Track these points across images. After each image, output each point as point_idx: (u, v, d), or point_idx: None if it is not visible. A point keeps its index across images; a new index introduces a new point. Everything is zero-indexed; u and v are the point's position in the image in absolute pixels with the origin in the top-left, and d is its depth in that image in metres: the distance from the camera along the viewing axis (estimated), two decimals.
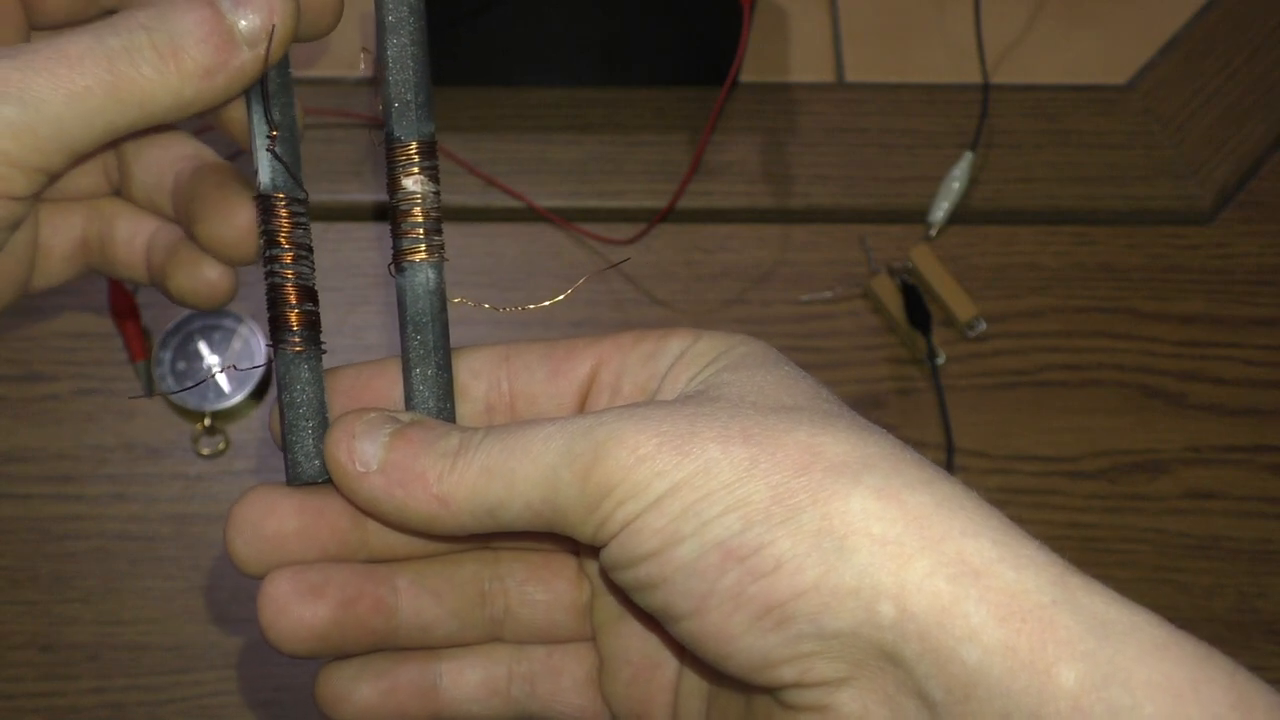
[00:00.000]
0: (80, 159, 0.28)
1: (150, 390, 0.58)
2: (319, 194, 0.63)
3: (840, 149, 0.65)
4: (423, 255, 0.30)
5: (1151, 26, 0.69)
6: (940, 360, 0.60)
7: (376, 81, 0.31)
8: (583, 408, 0.31)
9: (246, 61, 0.28)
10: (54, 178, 0.28)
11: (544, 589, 0.32)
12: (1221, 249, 0.64)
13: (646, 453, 0.26)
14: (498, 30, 0.62)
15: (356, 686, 0.31)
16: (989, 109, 0.66)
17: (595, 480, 0.26)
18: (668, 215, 0.62)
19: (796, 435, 0.26)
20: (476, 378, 0.32)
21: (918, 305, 0.60)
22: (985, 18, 0.67)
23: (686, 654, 0.30)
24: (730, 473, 0.25)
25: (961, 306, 0.61)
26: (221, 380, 0.58)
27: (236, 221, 0.31)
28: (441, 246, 0.30)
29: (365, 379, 0.32)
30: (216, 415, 0.57)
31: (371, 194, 0.63)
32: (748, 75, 0.66)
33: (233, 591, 0.55)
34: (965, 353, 0.61)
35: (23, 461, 0.57)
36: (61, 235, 0.34)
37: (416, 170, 0.30)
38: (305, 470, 0.30)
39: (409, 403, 0.31)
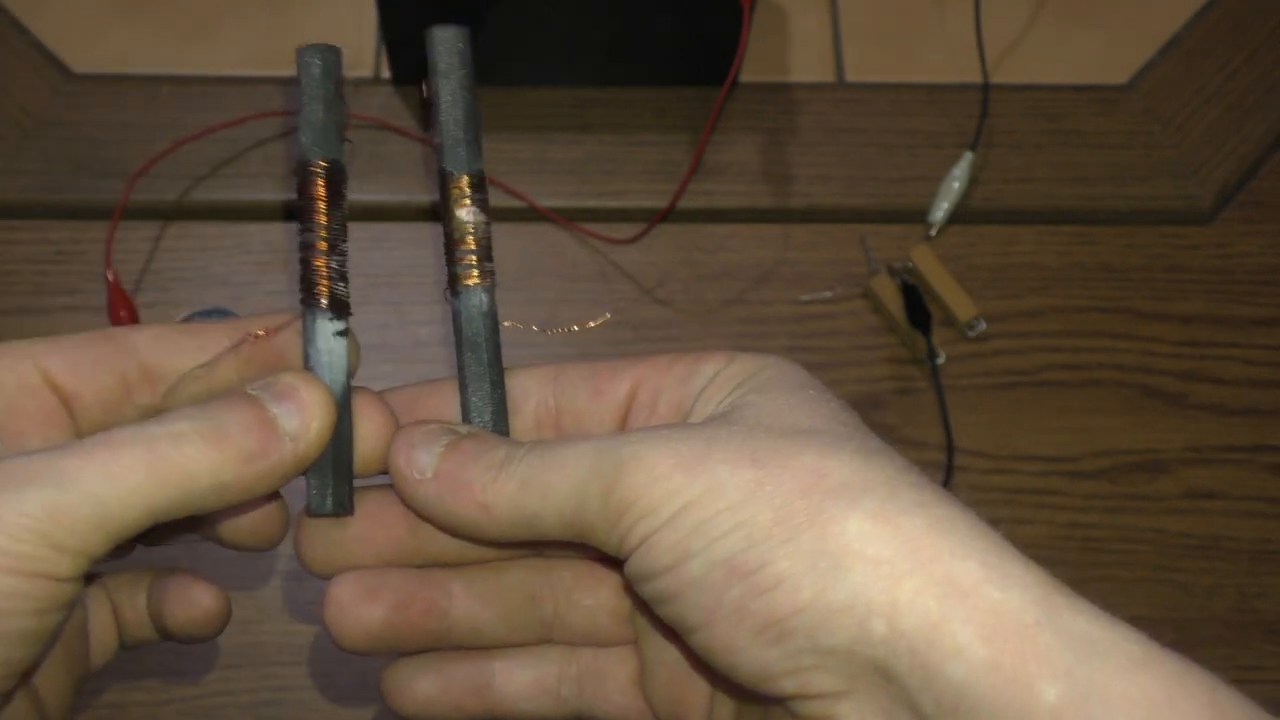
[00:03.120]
0: (121, 541, 0.28)
1: None
2: None
3: (840, 149, 0.65)
4: (476, 280, 0.32)
5: (1151, 26, 0.69)
6: (940, 360, 0.60)
7: (430, 119, 0.33)
8: (624, 425, 0.33)
9: (286, 453, 0.29)
10: (96, 561, 0.28)
11: (589, 595, 0.34)
12: (1221, 249, 0.64)
13: (662, 473, 0.27)
14: (499, 30, 0.62)
15: (416, 681, 0.34)
16: (989, 109, 0.66)
17: (617, 496, 0.28)
18: (668, 215, 0.62)
19: (803, 458, 0.27)
20: (527, 396, 0.34)
21: (918, 305, 0.60)
22: (985, 18, 0.67)
23: (700, 663, 0.32)
24: (737, 493, 0.27)
25: (961, 306, 0.61)
26: None
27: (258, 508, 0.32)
28: (492, 272, 0.33)
29: (423, 397, 0.34)
30: None
31: (372, 194, 0.63)
32: (748, 75, 0.66)
33: (233, 591, 0.55)
34: (965, 353, 0.61)
35: None
36: (106, 610, 0.35)
37: (469, 201, 0.32)
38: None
39: (466, 419, 0.33)
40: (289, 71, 0.66)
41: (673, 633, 0.30)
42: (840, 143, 0.65)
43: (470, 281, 0.32)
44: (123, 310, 0.58)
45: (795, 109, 0.66)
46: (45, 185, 0.62)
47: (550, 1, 0.61)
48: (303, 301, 0.32)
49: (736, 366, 0.31)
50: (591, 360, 0.34)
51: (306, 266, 0.32)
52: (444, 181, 0.32)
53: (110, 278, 0.59)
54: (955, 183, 0.63)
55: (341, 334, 0.32)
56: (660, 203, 0.62)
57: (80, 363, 0.31)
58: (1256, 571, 0.57)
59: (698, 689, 0.33)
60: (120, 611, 0.35)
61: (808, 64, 0.68)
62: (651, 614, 0.30)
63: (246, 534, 0.33)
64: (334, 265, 0.32)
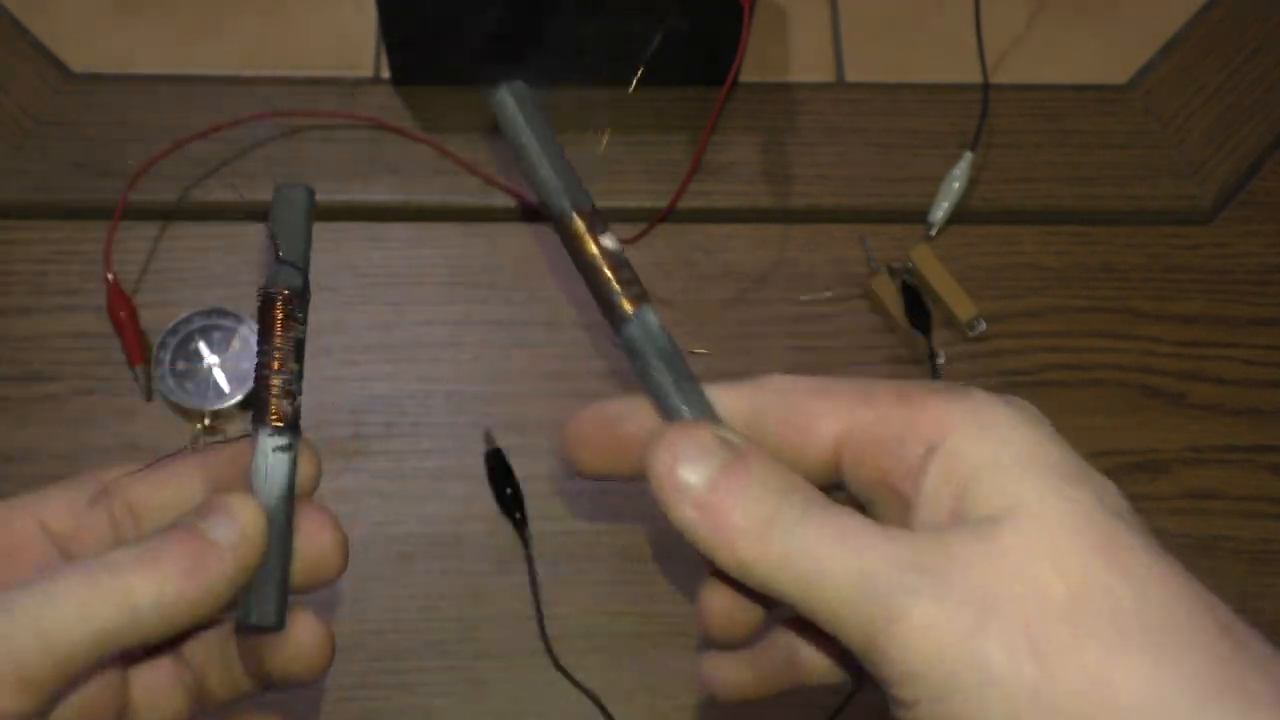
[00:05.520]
0: (75, 674, 0.28)
1: (149, 394, 0.58)
2: (320, 194, 0.63)
3: (840, 149, 0.65)
4: (644, 300, 0.31)
5: (1151, 26, 0.69)
6: (940, 360, 0.60)
7: (524, 175, 0.33)
8: (837, 469, 0.31)
9: (226, 562, 0.30)
10: (52, 696, 0.28)
11: None
12: (1221, 249, 0.64)
13: (931, 651, 0.26)
14: (498, 30, 0.62)
15: (734, 672, 0.34)
16: (989, 109, 0.66)
17: (881, 645, 0.26)
18: (668, 215, 0.62)
19: (1084, 658, 0.25)
20: (730, 417, 0.32)
21: (918, 305, 0.60)
22: (985, 18, 0.67)
23: None
24: (1012, 685, 0.25)
25: (961, 306, 0.61)
26: (220, 379, 0.58)
27: (307, 639, 0.33)
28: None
29: (628, 412, 0.32)
30: (216, 415, 0.57)
31: (372, 194, 0.63)
32: (748, 75, 0.66)
33: None
34: (965, 353, 0.61)
35: (23, 462, 0.57)
36: None
37: (605, 230, 0.31)
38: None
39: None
40: (289, 71, 0.66)
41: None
42: (840, 143, 0.65)
43: (643, 303, 0.31)
44: (122, 310, 0.58)
45: (795, 109, 0.66)
46: (45, 185, 0.62)
47: (551, 2, 0.61)
48: (253, 418, 0.33)
49: (958, 444, 0.28)
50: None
51: (259, 383, 0.33)
52: (566, 225, 0.31)
53: (110, 278, 0.59)
54: (955, 183, 0.63)
55: (282, 449, 0.33)
56: (660, 203, 0.62)
57: (75, 509, 0.32)
58: (1256, 571, 0.57)
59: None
60: (204, 675, 0.34)
61: (808, 64, 0.68)
62: None
63: (298, 667, 0.33)
64: (277, 384, 0.33)
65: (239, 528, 0.31)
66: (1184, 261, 0.64)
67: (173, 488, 0.33)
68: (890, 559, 0.27)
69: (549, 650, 0.54)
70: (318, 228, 0.66)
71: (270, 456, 0.32)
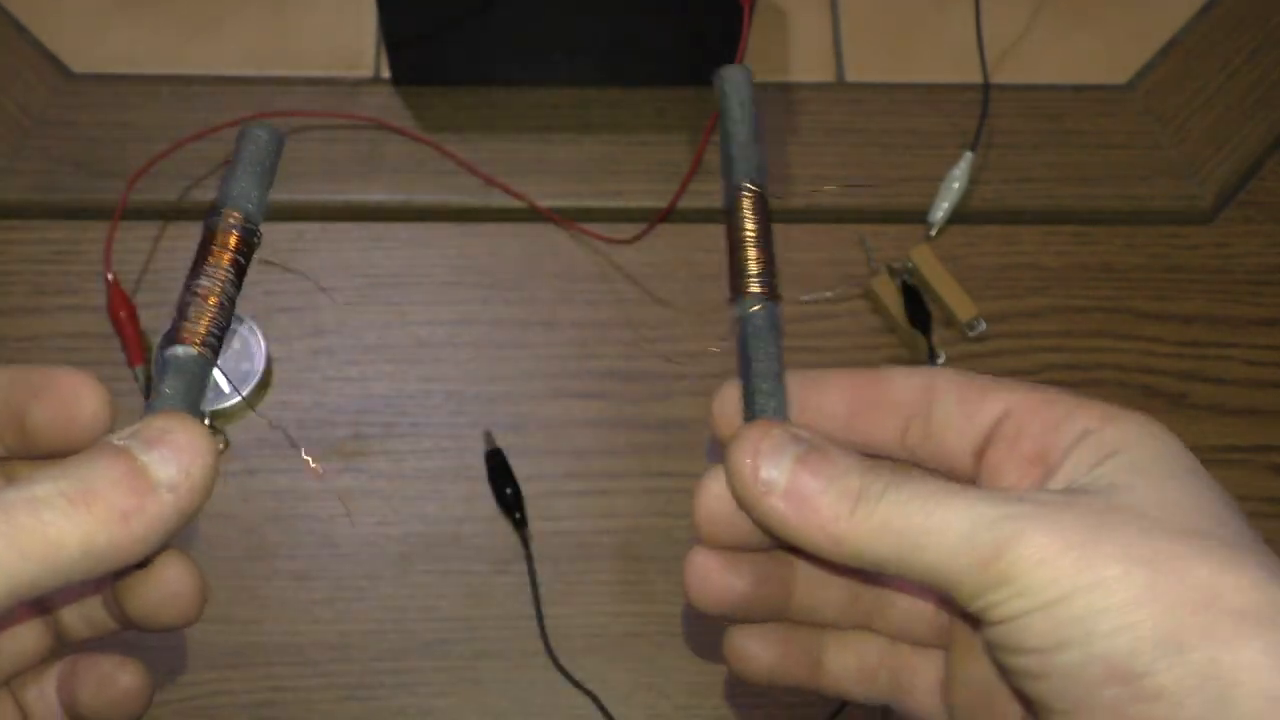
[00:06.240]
0: None
1: (149, 394, 0.58)
2: (320, 194, 0.63)
3: (840, 149, 0.65)
4: (773, 295, 0.32)
5: (1151, 26, 0.69)
6: (940, 360, 0.60)
7: (721, 147, 0.33)
8: (982, 454, 0.31)
9: (166, 506, 0.27)
10: None
11: (906, 599, 0.34)
12: (1221, 249, 0.64)
13: (1048, 557, 0.27)
14: (498, 30, 0.62)
15: (762, 649, 0.34)
16: (989, 109, 0.66)
17: (993, 572, 0.27)
18: (668, 215, 0.62)
19: (1200, 571, 0.26)
20: (909, 395, 0.33)
21: (918, 305, 0.60)
22: (985, 18, 0.67)
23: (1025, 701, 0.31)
24: (1126, 594, 0.26)
25: (961, 306, 0.61)
26: (220, 379, 0.58)
27: (176, 583, 0.30)
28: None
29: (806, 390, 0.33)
30: (216, 415, 0.57)
31: (372, 194, 0.63)
32: None
33: (233, 591, 0.55)
34: (965, 353, 0.61)
35: None
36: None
37: (769, 222, 0.32)
38: None
39: (750, 409, 0.32)
40: (289, 71, 0.66)
41: (975, 654, 0.30)
42: (840, 143, 0.65)
43: (772, 298, 0.32)
44: (122, 310, 0.58)
45: (795, 109, 0.66)
46: (45, 185, 0.62)
47: (551, 1, 0.61)
48: (179, 338, 0.30)
49: (1114, 432, 0.30)
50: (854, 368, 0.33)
51: (202, 303, 0.31)
52: (735, 197, 0.32)
53: (110, 278, 0.59)
54: (955, 183, 0.63)
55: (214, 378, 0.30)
56: (660, 203, 0.62)
57: None
58: None
59: (1000, 714, 0.32)
60: (29, 710, 0.32)
61: (808, 64, 0.68)
62: (962, 624, 0.31)
63: (158, 610, 0.30)
64: (218, 303, 0.31)
65: (185, 468, 0.27)
66: (1184, 261, 0.64)
67: None
68: (995, 503, 0.28)
69: (549, 650, 0.54)
70: (318, 228, 0.66)
71: (198, 375, 0.30)
